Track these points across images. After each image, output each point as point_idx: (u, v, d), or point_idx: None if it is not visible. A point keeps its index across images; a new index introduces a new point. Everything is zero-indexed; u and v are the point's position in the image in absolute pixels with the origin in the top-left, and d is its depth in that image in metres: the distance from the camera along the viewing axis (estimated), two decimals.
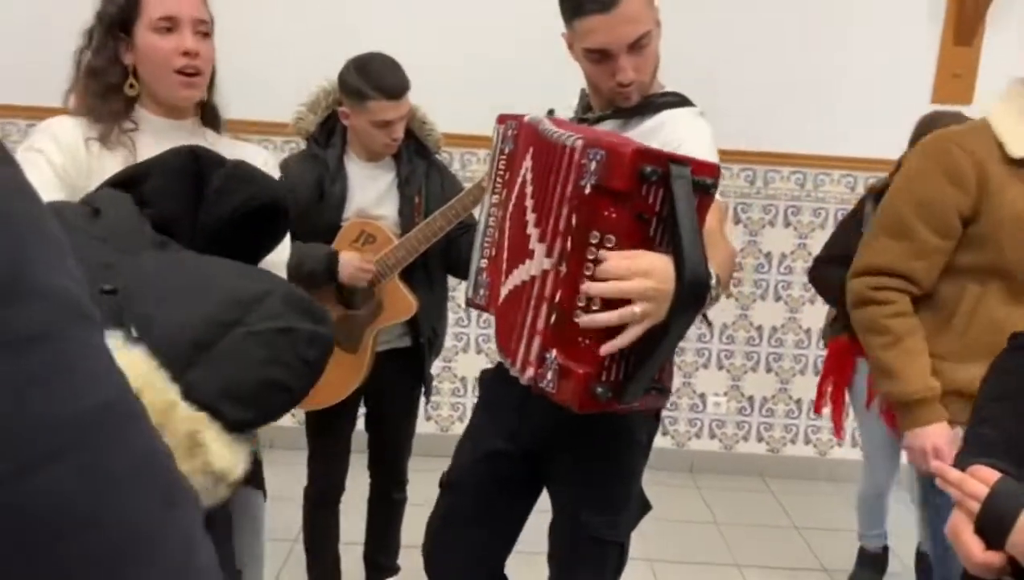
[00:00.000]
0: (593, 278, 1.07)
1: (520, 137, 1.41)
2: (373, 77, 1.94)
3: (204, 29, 1.41)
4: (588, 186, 1.09)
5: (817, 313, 3.44)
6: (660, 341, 1.07)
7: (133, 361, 0.80)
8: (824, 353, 3.41)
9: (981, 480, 0.95)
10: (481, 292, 1.45)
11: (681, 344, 3.47)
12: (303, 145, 2.14)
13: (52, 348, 0.42)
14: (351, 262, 1.97)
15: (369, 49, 2.03)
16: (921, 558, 2.55)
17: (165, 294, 0.91)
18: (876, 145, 3.22)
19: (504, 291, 1.34)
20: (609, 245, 1.07)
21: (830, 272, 2.48)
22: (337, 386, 2.02)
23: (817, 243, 3.38)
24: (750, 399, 3.54)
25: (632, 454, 1.59)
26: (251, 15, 2.97)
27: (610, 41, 1.37)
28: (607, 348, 1.06)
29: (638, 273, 1.04)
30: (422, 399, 2.26)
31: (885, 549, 2.66)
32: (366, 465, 2.31)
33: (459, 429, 3.55)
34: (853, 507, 2.75)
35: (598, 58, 1.41)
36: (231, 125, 1.59)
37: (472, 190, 1.97)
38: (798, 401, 3.54)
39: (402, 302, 2.06)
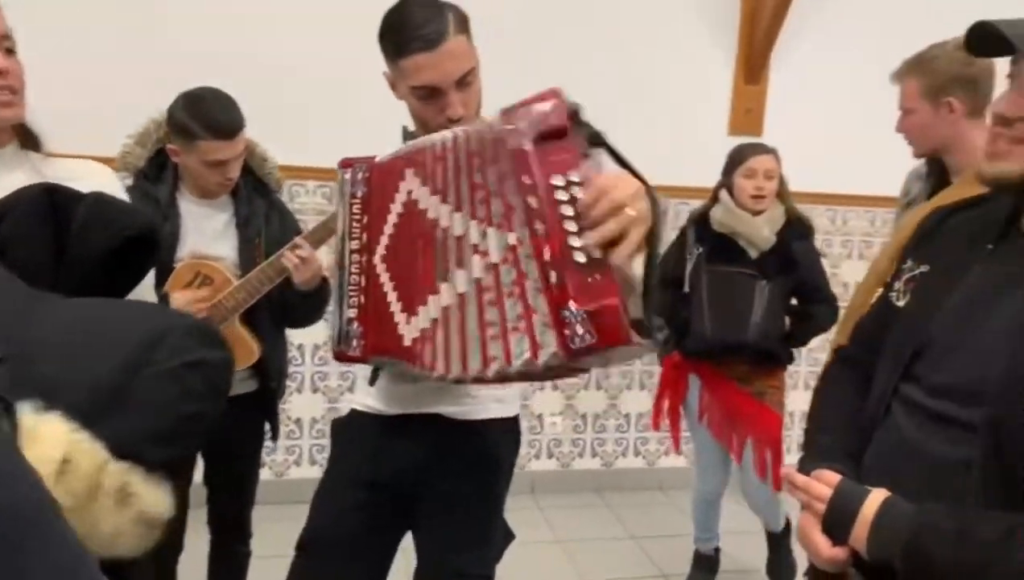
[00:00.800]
0: (583, 205, 1.04)
1: (375, 177, 1.38)
2: (204, 115, 1.84)
3: (8, 44, 1.28)
4: (527, 142, 1.09)
5: None
6: (653, 255, 1.06)
7: (54, 430, 0.77)
8: (647, 367, 3.67)
9: (825, 483, 1.05)
10: (354, 343, 1.40)
11: None
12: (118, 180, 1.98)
13: None
14: (184, 305, 1.85)
15: (200, 81, 1.93)
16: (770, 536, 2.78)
17: (64, 349, 0.86)
18: (685, 174, 3.51)
19: (416, 326, 1.28)
20: (576, 181, 1.05)
21: (661, 295, 2.67)
22: None
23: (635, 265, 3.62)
24: (583, 417, 3.70)
25: (498, 484, 1.61)
26: (70, 38, 2.73)
27: (437, 78, 1.38)
28: (617, 258, 1.02)
29: (616, 183, 1.05)
30: (276, 448, 2.16)
31: (717, 550, 2.86)
32: (205, 521, 2.16)
33: (295, 474, 3.45)
34: (683, 512, 2.94)
35: (426, 95, 1.41)
36: None
37: (317, 229, 1.92)
38: (627, 415, 3.74)
39: (243, 347, 1.96)
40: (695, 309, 2.51)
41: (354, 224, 1.40)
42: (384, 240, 1.36)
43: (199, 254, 1.94)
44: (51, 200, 1.03)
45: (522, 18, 3.21)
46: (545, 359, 1.09)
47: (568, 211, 1.06)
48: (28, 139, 1.35)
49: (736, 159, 2.55)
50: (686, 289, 2.56)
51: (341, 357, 1.43)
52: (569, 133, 1.08)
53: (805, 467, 1.13)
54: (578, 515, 3.46)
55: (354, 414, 1.63)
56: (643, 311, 1.06)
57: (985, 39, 0.94)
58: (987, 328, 0.97)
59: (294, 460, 3.41)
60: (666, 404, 2.74)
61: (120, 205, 1.09)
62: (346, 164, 1.43)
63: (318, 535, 1.60)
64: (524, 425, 3.54)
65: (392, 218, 1.34)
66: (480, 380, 1.18)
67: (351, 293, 1.40)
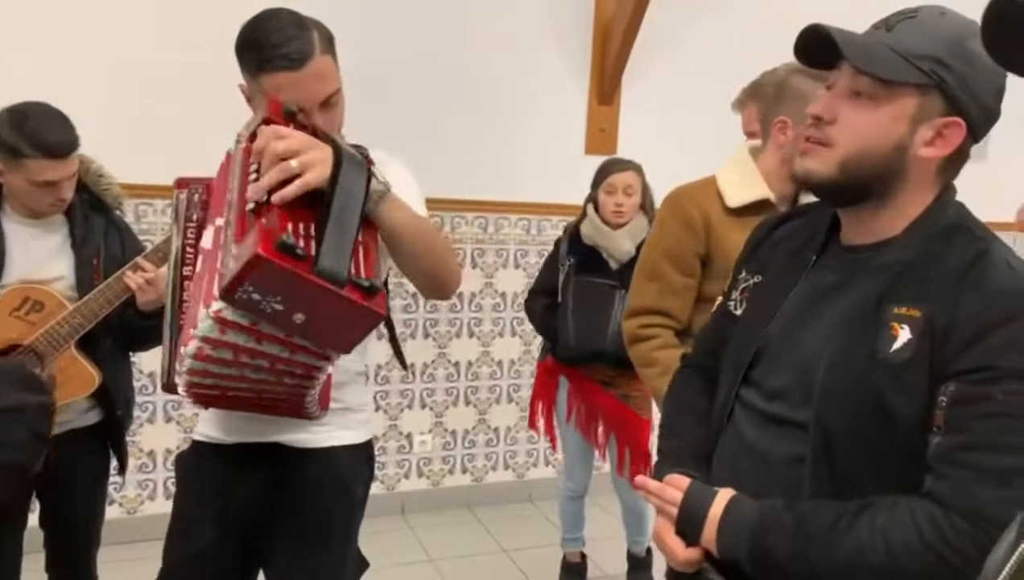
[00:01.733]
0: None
1: (212, 201, 1.33)
2: (32, 133, 1.70)
3: None
4: (245, 141, 1.18)
5: (506, 345, 3.71)
6: (332, 201, 1.10)
7: None
8: (514, 381, 3.72)
9: (676, 487, 1.10)
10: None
11: (385, 387, 3.54)
12: None
13: None
14: None
15: (29, 96, 1.78)
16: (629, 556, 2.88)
17: None
18: (544, 191, 3.61)
19: None
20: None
21: (537, 303, 2.76)
22: None
23: (501, 281, 3.66)
24: (453, 433, 3.69)
25: (349, 513, 1.55)
26: None
27: (301, 98, 1.32)
28: (277, 197, 1.07)
29: (283, 136, 1.12)
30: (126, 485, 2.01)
31: (583, 556, 2.93)
32: (43, 567, 1.99)
33: (149, 509, 3.24)
34: (553, 523, 2.99)
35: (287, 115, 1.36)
36: None
37: (160, 246, 1.82)
38: (496, 429, 3.76)
39: (81, 376, 1.82)
40: (562, 318, 2.62)
41: (188, 248, 1.34)
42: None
43: (28, 278, 1.79)
44: None
45: (381, 45, 3.20)
46: (215, 310, 1.07)
47: (252, 176, 1.13)
48: None
49: (599, 176, 2.68)
50: (559, 298, 2.67)
51: (172, 390, 1.35)
52: (282, 121, 1.18)
53: (659, 472, 1.17)
54: (450, 532, 3.44)
55: (196, 446, 1.55)
56: (324, 234, 1.08)
57: (816, 48, 1.01)
58: (810, 334, 1.04)
59: (147, 495, 3.20)
60: (540, 406, 2.83)
61: None
62: (182, 184, 1.37)
63: None
64: (393, 445, 3.54)
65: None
66: (197, 372, 1.15)
67: (182, 323, 1.32)
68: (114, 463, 2.04)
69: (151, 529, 3.08)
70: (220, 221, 1.21)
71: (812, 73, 1.73)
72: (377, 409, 3.50)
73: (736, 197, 1.76)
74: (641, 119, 3.75)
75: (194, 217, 1.33)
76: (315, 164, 1.09)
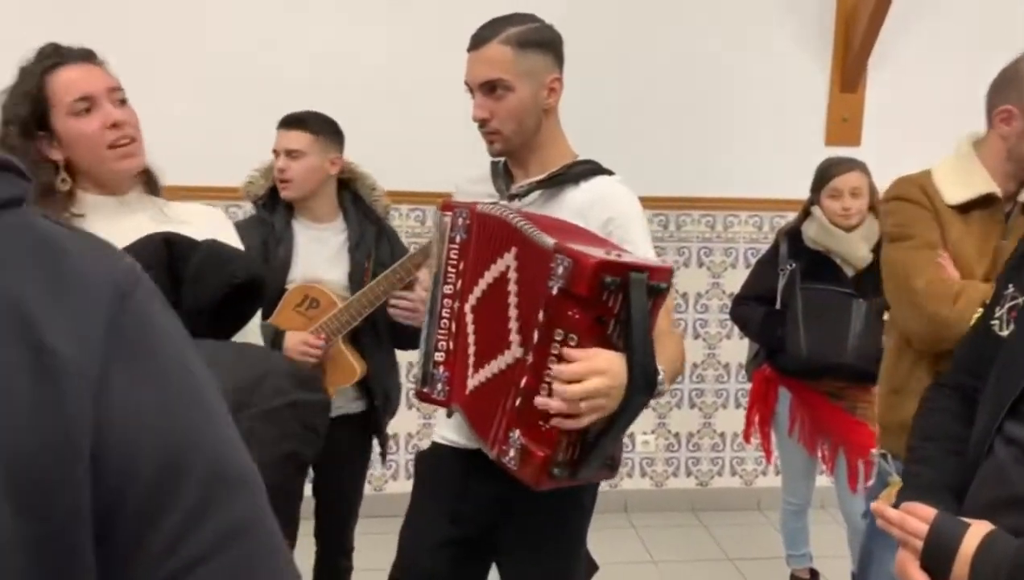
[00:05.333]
0: (556, 375, 1.20)
1: (476, 228, 1.43)
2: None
3: (120, 96, 1.37)
4: (555, 288, 1.20)
5: (734, 348, 3.60)
6: (611, 427, 1.22)
7: None
8: (742, 386, 3.60)
9: (920, 518, 1.03)
10: (439, 386, 1.45)
11: None
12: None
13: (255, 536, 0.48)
14: (297, 344, 1.97)
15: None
16: None
17: None
18: (779, 187, 3.44)
19: (475, 382, 1.38)
20: (572, 343, 1.20)
21: (750, 309, 2.63)
22: None
23: (729, 282, 3.55)
24: (676, 435, 3.66)
25: (578, 519, 1.62)
26: (194, 83, 2.93)
27: (467, 77, 1.49)
28: (564, 424, 1.20)
29: (595, 372, 1.18)
30: (374, 462, 2.25)
31: (813, 573, 2.78)
32: (312, 533, 2.27)
33: (392, 488, 3.55)
34: (780, 533, 2.87)
35: (469, 90, 1.51)
36: (175, 192, 1.55)
37: (416, 254, 2.00)
38: (722, 434, 3.67)
39: (346, 367, 2.06)
40: (790, 327, 2.46)
41: (449, 269, 1.46)
42: (476, 293, 1.41)
43: (311, 277, 2.06)
44: (170, 251, 1.10)
45: (595, 40, 3.19)
46: (494, 454, 1.32)
47: (553, 362, 1.21)
48: (152, 184, 1.43)
49: (822, 178, 2.49)
50: (778, 305, 2.53)
51: (424, 398, 1.49)
52: (592, 301, 1.19)
53: (902, 501, 1.10)
54: (673, 535, 3.42)
55: (435, 447, 1.66)
56: (593, 453, 1.24)
57: None
58: None
59: (391, 474, 3.51)
60: (756, 417, 2.72)
61: (230, 252, 1.16)
62: (447, 207, 1.49)
63: (408, 574, 1.64)
64: None
65: (488, 277, 1.39)
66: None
67: (440, 337, 1.46)
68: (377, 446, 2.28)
69: (394, 506, 3.37)
70: (483, 286, 1.40)
71: None
72: None
73: (954, 194, 1.60)
74: (889, 107, 3.46)
75: (457, 239, 1.45)
76: (609, 405, 1.20)
